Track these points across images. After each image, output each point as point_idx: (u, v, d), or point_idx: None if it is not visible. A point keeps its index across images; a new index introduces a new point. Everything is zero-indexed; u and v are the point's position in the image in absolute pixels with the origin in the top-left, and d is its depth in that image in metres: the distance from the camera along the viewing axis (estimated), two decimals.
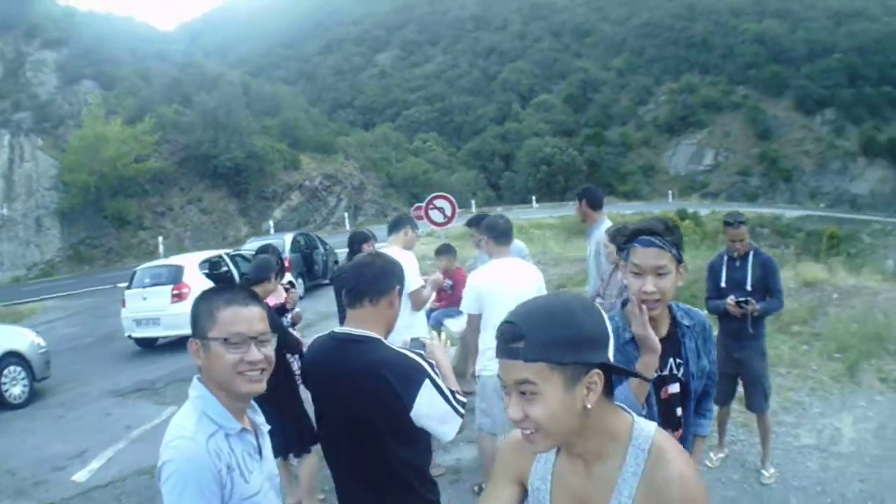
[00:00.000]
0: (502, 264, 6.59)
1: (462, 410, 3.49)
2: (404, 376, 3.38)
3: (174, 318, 15.49)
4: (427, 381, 3.40)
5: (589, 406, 2.01)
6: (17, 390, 12.55)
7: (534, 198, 75.19)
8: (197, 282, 16.20)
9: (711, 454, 7.51)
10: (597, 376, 2.02)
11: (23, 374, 12.79)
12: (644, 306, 3.13)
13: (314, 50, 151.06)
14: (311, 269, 24.67)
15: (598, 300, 7.13)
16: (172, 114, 52.38)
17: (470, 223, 9.73)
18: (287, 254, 22.64)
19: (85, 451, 9.47)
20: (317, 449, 6.36)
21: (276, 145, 58.06)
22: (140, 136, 45.42)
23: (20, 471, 8.99)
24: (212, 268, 17.66)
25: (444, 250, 10.45)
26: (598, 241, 8.18)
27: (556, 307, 2.05)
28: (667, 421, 3.33)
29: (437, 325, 9.54)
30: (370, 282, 3.54)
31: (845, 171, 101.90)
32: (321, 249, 26.20)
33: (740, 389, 7.60)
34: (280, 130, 63.27)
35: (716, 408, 7.44)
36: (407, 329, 6.80)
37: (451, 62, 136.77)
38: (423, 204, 19.76)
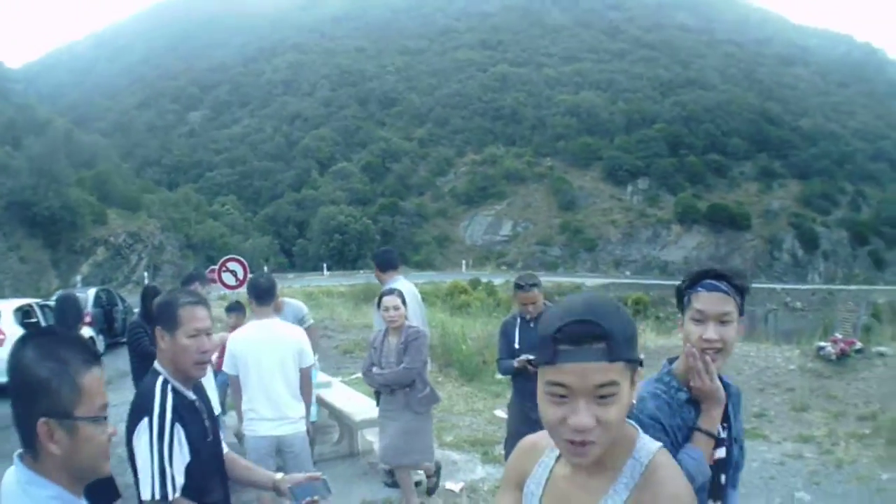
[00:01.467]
0: (261, 326, 6.63)
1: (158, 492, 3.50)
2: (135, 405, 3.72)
3: None
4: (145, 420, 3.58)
5: (634, 402, 2.06)
6: None
7: (325, 265, 77.47)
8: (11, 328, 16.65)
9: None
10: (641, 373, 2.08)
11: None
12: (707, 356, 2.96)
13: (133, 103, 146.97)
14: (111, 325, 24.46)
15: (375, 369, 7.58)
16: (3, 154, 53.60)
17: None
18: (90, 308, 22.53)
19: None
20: None
21: (88, 198, 59.54)
22: None
23: None
24: (24, 316, 17.97)
25: (235, 308, 10.34)
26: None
27: (612, 303, 2.06)
28: (710, 490, 3.03)
29: (222, 388, 9.36)
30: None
31: (656, 240, 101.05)
32: (120, 307, 26.13)
33: None
34: (92, 183, 64.92)
35: None
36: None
37: (257, 125, 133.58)
38: (216, 266, 19.28)
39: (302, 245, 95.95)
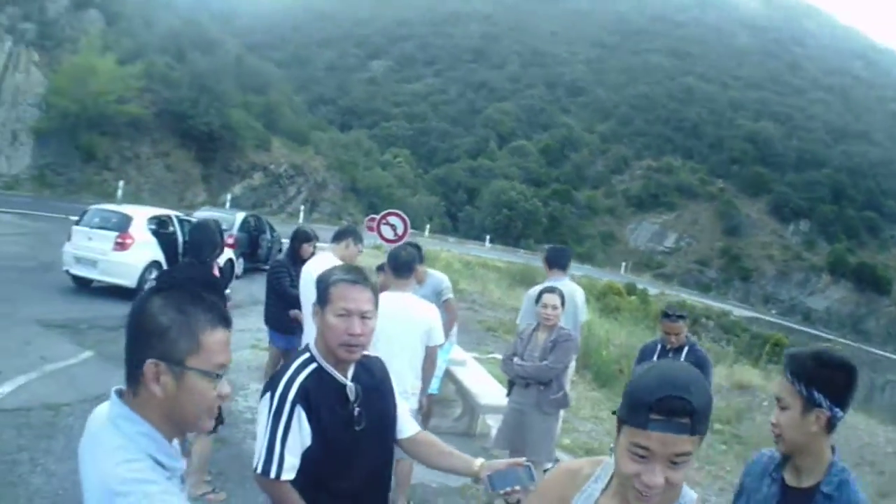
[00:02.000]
0: (395, 299, 6.45)
1: None
2: None
3: (111, 265, 15.77)
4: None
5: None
6: None
7: (488, 237, 74.97)
8: (142, 236, 16.45)
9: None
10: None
11: None
12: None
13: (314, 40, 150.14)
14: (255, 251, 24.66)
15: (516, 359, 7.49)
16: (163, 66, 51.31)
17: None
18: (235, 231, 22.93)
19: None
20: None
21: (252, 123, 57.22)
22: (128, 78, 44.73)
23: None
24: (159, 226, 17.51)
25: (384, 268, 9.42)
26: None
27: (700, 379, 2.21)
28: None
29: None
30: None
31: (806, 284, 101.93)
32: (268, 235, 26.23)
33: None
34: (260, 110, 62.21)
35: None
36: None
37: (441, 87, 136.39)
38: (378, 217, 19.62)
39: (468, 212, 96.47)
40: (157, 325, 2.12)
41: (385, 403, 3.69)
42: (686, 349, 7.29)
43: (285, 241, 28.27)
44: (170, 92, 49.67)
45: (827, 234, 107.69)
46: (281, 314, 9.31)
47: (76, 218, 17.58)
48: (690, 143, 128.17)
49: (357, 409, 3.48)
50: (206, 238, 7.50)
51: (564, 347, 7.33)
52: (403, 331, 6.37)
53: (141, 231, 16.49)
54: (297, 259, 9.37)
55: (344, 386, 3.48)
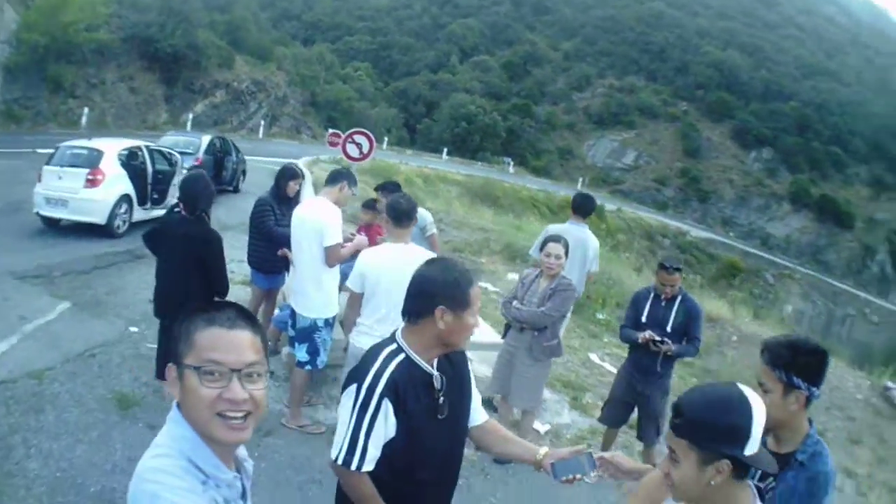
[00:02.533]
0: (396, 250, 6.38)
1: None
2: None
3: (83, 202, 15.60)
4: None
5: (713, 483, 2.50)
6: None
7: (445, 150, 75.87)
8: (113, 170, 16.27)
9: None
10: (726, 465, 2.48)
11: None
12: None
13: None
14: (219, 173, 24.33)
15: (515, 303, 7.65)
16: None
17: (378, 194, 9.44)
18: (201, 155, 23.07)
19: None
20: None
21: (217, 41, 56.74)
22: (98, 5, 43.85)
23: None
24: (129, 158, 17.29)
25: (372, 205, 9.97)
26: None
27: (715, 395, 2.56)
28: None
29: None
30: (411, 296, 3.62)
31: (766, 210, 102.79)
32: (234, 157, 26.18)
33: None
34: (225, 28, 62.03)
35: (604, 428, 8.37)
36: (315, 283, 7.41)
37: (406, 1, 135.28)
38: (343, 135, 19.90)
39: (427, 125, 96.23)
40: (175, 333, 2.31)
41: (464, 392, 3.77)
42: (679, 299, 7.37)
43: (249, 159, 28.28)
44: (137, 16, 49.05)
45: (789, 164, 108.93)
46: (265, 254, 9.25)
47: (44, 152, 17.48)
48: (655, 65, 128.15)
49: (442, 398, 3.56)
50: (200, 190, 7.39)
51: (563, 296, 7.43)
52: (405, 282, 6.04)
53: (111, 165, 16.30)
54: (282, 197, 9.30)
55: (431, 376, 3.53)
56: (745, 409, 2.51)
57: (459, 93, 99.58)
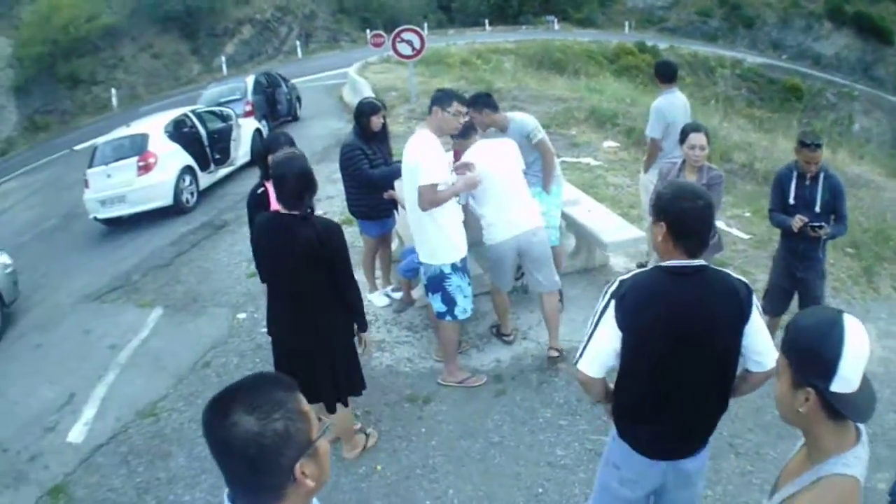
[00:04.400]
0: (477, 153, 6.95)
1: None
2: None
3: (142, 191, 14.65)
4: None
5: (801, 411, 2.36)
6: None
7: (486, 21, 72.75)
8: (164, 147, 15.35)
9: None
10: (811, 394, 2.32)
11: None
12: None
13: None
14: (273, 108, 23.85)
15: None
16: None
17: (471, 104, 7.58)
18: (250, 97, 22.30)
19: (73, 394, 8.27)
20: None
21: None
22: None
23: (10, 443, 7.59)
24: (177, 128, 16.35)
25: (465, 134, 8.07)
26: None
27: (816, 318, 2.43)
28: None
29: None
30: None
31: (809, 30, 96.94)
32: (283, 88, 25.39)
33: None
34: None
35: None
36: (432, 227, 6.54)
37: None
38: (388, 37, 20.89)
39: (461, 1, 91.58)
40: (276, 432, 2.10)
41: None
42: (822, 176, 6.76)
43: (298, 82, 27.76)
44: None
45: None
46: (368, 200, 8.43)
47: (81, 148, 16.75)
48: None
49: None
50: (297, 179, 5.17)
51: (718, 191, 7.05)
52: (505, 169, 7.01)
53: (160, 143, 15.38)
54: (368, 135, 8.34)
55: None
56: (836, 340, 2.29)
57: None
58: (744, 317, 3.50)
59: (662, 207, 3.53)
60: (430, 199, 6.24)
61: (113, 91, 39.11)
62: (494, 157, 6.95)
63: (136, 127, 16.41)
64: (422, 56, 23.07)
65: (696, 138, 7.03)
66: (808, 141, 6.74)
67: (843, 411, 2.32)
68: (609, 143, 17.86)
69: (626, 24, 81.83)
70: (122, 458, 6.71)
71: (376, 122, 8.26)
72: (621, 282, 3.57)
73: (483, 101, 8.09)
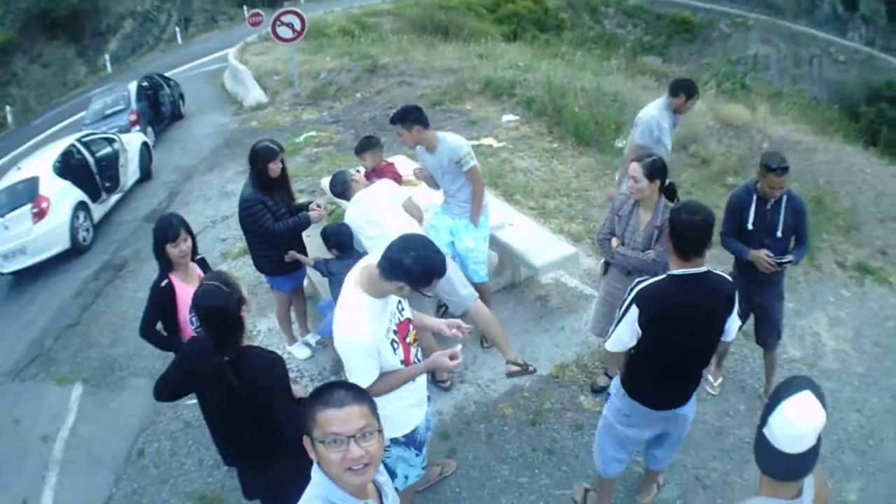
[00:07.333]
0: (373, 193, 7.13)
1: None
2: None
3: (41, 239, 13.90)
4: None
5: None
6: None
7: None
8: (54, 188, 14.65)
9: (710, 378, 7.44)
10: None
11: None
12: None
13: None
14: (158, 112, 23.59)
15: (620, 248, 6.55)
16: None
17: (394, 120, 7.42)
18: (134, 105, 22.05)
19: (25, 500, 7.39)
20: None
21: None
22: None
23: None
24: (65, 161, 15.60)
25: (366, 146, 8.50)
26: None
27: (792, 383, 3.01)
28: None
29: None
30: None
31: None
32: (166, 89, 25.16)
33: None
34: None
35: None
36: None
37: None
38: (268, 17, 20.75)
39: None
40: (302, 414, 2.83)
41: None
42: (785, 199, 6.36)
43: (177, 73, 27.25)
44: (26, 1, 47.14)
45: None
46: (275, 255, 7.70)
47: None
48: None
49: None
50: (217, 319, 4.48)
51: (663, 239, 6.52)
52: (398, 213, 7.00)
53: (50, 183, 14.70)
54: (266, 183, 7.34)
55: None
56: (780, 398, 2.95)
57: None
58: (729, 310, 4.70)
59: (669, 220, 4.62)
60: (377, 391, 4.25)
61: (8, 108, 38.54)
62: (388, 201, 7.01)
63: (27, 169, 15.59)
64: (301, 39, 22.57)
65: (631, 169, 6.18)
66: (774, 165, 6.29)
67: (757, 453, 2.97)
68: (508, 117, 17.29)
69: None
70: None
71: (274, 168, 7.32)
72: (640, 288, 4.62)
73: (413, 117, 7.29)
